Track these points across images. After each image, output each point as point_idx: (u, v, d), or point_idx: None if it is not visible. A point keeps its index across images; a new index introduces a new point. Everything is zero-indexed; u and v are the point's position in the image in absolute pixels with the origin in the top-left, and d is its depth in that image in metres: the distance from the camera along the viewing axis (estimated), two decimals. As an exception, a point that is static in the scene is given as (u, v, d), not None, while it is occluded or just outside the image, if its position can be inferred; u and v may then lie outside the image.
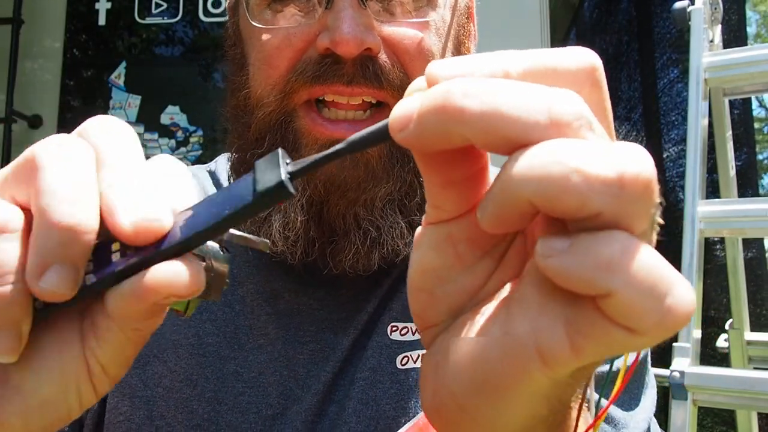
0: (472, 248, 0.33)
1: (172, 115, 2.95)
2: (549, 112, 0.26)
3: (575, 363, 0.27)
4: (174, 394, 0.63)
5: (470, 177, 0.31)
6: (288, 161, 0.31)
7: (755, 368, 1.93)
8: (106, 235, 0.32)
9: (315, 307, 0.67)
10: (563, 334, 0.27)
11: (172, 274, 0.30)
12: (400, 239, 0.62)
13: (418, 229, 0.34)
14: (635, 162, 0.25)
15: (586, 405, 0.41)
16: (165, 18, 3.04)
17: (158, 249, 0.31)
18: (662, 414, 1.39)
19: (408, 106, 0.29)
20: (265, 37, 0.63)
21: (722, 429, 3.36)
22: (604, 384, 0.46)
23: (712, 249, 2.77)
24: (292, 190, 0.30)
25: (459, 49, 0.69)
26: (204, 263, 0.33)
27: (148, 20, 3.04)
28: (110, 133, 0.34)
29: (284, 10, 0.63)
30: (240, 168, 0.67)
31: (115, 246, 0.32)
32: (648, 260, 0.25)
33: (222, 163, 0.77)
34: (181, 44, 3.08)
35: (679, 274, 0.26)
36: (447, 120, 0.27)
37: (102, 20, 3.05)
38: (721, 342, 1.99)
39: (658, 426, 0.71)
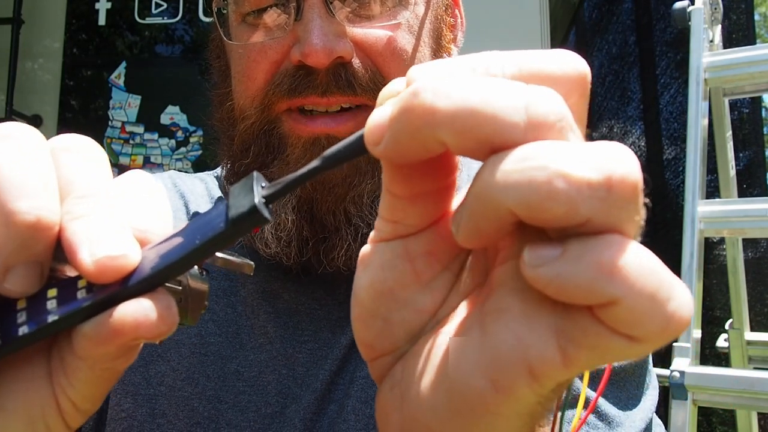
0: (430, 263, 0.30)
1: (172, 115, 2.95)
2: (527, 111, 0.24)
3: (566, 375, 0.25)
4: (176, 393, 0.64)
5: (439, 189, 0.29)
6: (263, 184, 0.29)
7: (755, 368, 1.92)
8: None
9: (314, 306, 0.67)
10: (553, 345, 0.24)
11: (139, 314, 0.28)
12: None
13: (364, 249, 0.32)
14: (622, 163, 0.23)
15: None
16: (165, 18, 3.04)
17: (125, 285, 0.29)
18: (662, 414, 1.38)
19: (381, 115, 0.27)
20: (242, 51, 0.64)
21: (723, 429, 3.36)
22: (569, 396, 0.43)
23: (714, 249, 2.77)
24: (267, 215, 0.28)
25: (438, 42, 0.68)
26: (180, 287, 0.31)
27: (148, 20, 3.04)
28: (75, 155, 0.32)
29: (259, 23, 0.63)
30: (231, 179, 0.67)
31: (82, 282, 0.29)
32: (649, 264, 0.23)
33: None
34: (181, 44, 3.09)
35: (674, 275, 0.24)
36: (419, 123, 0.25)
37: (102, 20, 3.06)
38: (721, 342, 1.99)
39: (661, 425, 0.70)
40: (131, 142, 2.95)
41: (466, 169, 0.73)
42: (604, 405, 0.63)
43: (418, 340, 0.30)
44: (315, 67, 0.59)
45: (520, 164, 0.23)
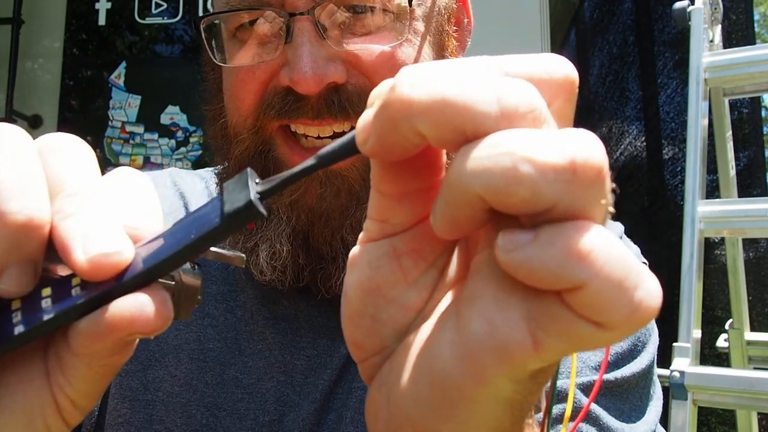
0: (416, 260, 0.31)
1: (172, 115, 2.95)
2: (498, 102, 0.25)
3: (537, 360, 0.25)
4: (174, 399, 0.63)
5: (426, 188, 0.30)
6: (258, 180, 0.29)
7: (755, 368, 1.93)
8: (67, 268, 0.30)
9: (313, 313, 0.66)
10: (524, 330, 0.25)
11: (135, 309, 0.28)
12: None
13: (353, 250, 0.32)
14: (585, 148, 0.24)
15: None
16: (165, 18, 3.04)
17: (120, 281, 0.28)
18: (662, 415, 1.38)
19: (368, 114, 0.28)
20: (231, 69, 0.62)
21: (723, 429, 3.36)
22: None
23: (714, 249, 2.77)
24: (262, 210, 0.28)
25: (441, 54, 0.66)
26: (173, 282, 0.31)
27: (148, 20, 3.04)
28: (63, 154, 0.32)
29: (248, 41, 0.61)
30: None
31: (76, 280, 0.29)
32: (618, 251, 0.24)
33: None
34: (181, 44, 3.08)
35: (643, 265, 0.24)
36: (397, 116, 0.26)
37: (102, 20, 3.05)
38: (721, 342, 1.99)
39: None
40: (131, 142, 2.95)
41: None
42: (606, 417, 0.62)
43: (405, 338, 0.31)
44: (305, 94, 0.58)
45: (488, 151, 0.24)
